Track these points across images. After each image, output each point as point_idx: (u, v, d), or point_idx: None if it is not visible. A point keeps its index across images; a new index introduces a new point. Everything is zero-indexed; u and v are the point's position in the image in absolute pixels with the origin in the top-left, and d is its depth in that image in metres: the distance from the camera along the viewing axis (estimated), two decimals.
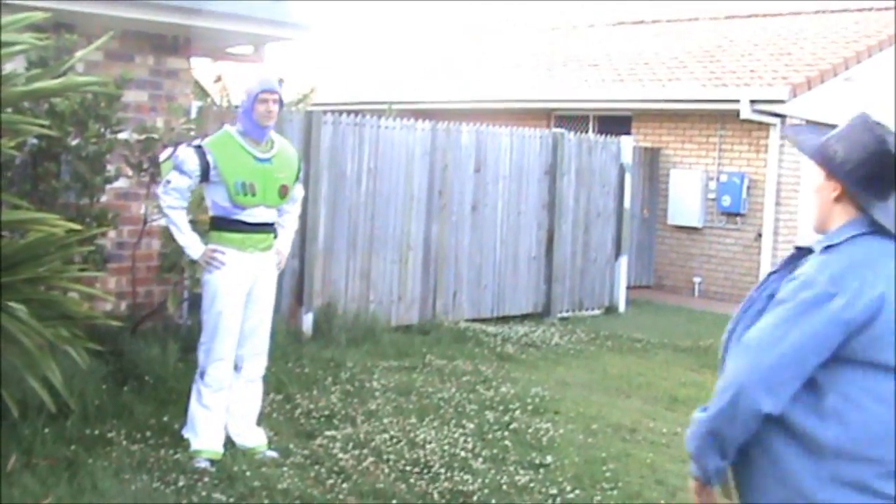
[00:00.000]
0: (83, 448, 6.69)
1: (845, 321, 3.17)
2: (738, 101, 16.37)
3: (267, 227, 6.95)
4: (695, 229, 17.65)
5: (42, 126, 6.56)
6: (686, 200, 17.58)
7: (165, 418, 7.29)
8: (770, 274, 3.51)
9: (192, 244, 6.81)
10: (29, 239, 6.35)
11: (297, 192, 7.30)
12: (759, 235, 16.94)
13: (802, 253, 3.47)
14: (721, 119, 17.23)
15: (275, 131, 9.20)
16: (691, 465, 3.46)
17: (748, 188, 16.95)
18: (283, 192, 6.93)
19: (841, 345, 3.18)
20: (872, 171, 3.38)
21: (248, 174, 6.71)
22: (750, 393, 3.22)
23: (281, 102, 6.84)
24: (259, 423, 7.30)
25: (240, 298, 6.83)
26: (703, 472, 3.41)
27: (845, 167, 3.40)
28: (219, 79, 17.06)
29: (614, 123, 18.17)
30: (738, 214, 17.11)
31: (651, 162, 17.87)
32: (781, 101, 16.18)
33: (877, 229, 3.36)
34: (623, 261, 15.32)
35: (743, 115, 16.38)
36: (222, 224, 6.81)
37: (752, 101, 16.28)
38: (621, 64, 19.71)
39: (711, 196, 17.41)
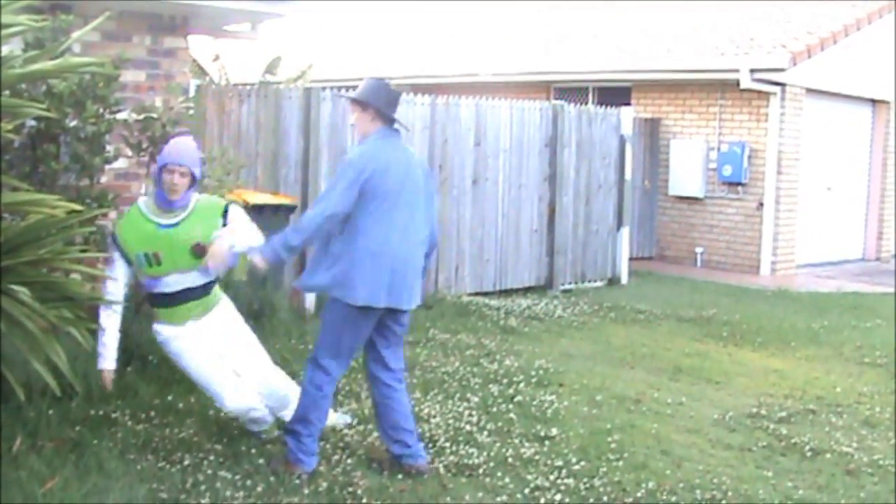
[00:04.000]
0: (88, 429, 6.70)
1: (361, 181, 6.23)
2: (737, 70, 16.38)
3: (191, 294, 6.66)
4: (696, 199, 17.66)
5: (40, 108, 6.54)
6: (687, 171, 17.59)
7: (170, 398, 7.33)
8: None
9: (104, 354, 6.56)
10: (29, 221, 6.33)
11: (234, 214, 6.81)
12: (761, 205, 16.95)
13: None
14: (721, 88, 17.21)
15: (273, 109, 9.24)
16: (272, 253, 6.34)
17: (749, 157, 16.95)
18: (199, 251, 6.55)
19: (361, 190, 6.22)
20: (386, 98, 6.47)
21: (150, 244, 6.50)
22: (326, 223, 6.21)
23: (193, 177, 6.59)
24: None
25: (206, 352, 6.66)
26: (278, 258, 6.44)
27: (374, 100, 6.42)
28: (217, 58, 17.04)
29: (614, 95, 18.15)
30: (739, 184, 17.12)
31: (651, 133, 17.87)
32: (781, 70, 16.18)
33: (392, 131, 6.55)
34: (625, 232, 15.32)
35: (743, 85, 16.38)
36: (152, 300, 6.67)
37: (752, 70, 16.29)
38: (620, 35, 19.66)
39: (712, 166, 17.42)
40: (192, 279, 6.63)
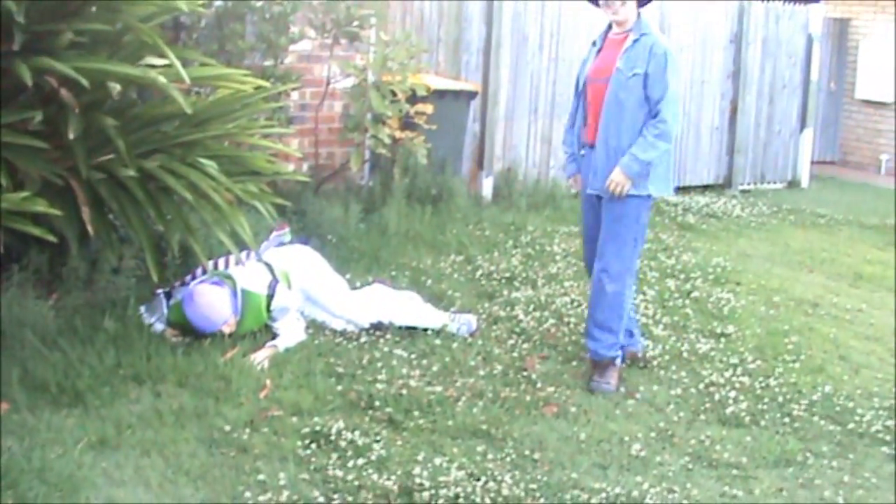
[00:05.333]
0: None
1: None
2: None
3: None
4: (884, 104, 17.02)
5: None
6: (876, 74, 16.97)
7: (347, 276, 7.34)
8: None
9: None
10: (217, 96, 6.43)
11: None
12: None
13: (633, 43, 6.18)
14: None
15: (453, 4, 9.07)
16: (639, 170, 6.10)
17: None
18: None
19: None
20: None
21: None
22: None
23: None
24: (440, 283, 7.52)
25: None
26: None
27: None
28: None
29: None
30: None
31: (840, 33, 17.26)
32: None
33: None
34: (807, 134, 14.90)
35: None
36: None
37: None
38: None
39: None
40: None
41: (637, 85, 6.13)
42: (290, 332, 6.34)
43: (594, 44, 6.47)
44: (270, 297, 6.41)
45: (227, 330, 6.18)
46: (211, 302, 6.14)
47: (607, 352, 6.27)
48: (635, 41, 6.17)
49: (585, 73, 6.43)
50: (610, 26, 6.38)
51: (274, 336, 6.31)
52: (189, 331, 6.17)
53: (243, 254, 6.51)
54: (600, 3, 6.27)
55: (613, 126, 6.22)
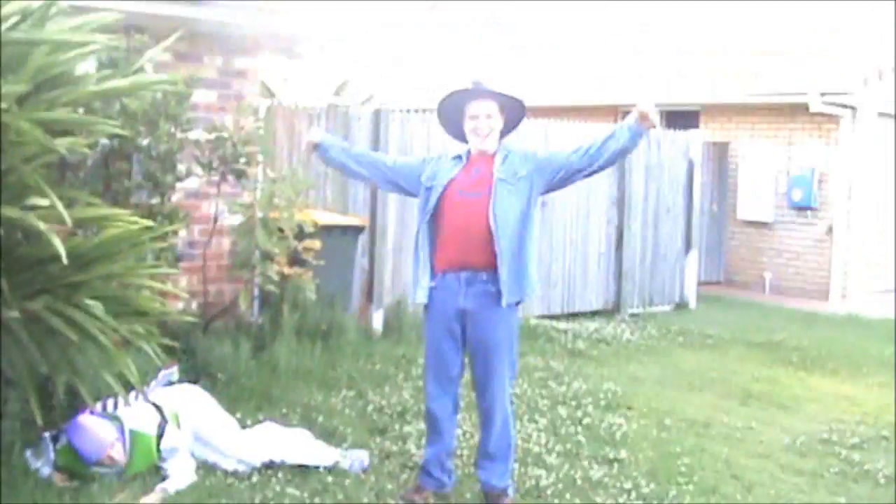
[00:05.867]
0: None
1: None
2: (806, 93, 16.20)
3: None
4: (765, 224, 17.48)
5: (114, 126, 6.59)
6: (756, 195, 17.44)
7: (238, 415, 7.28)
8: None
9: None
10: (103, 236, 6.38)
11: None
12: (831, 229, 16.75)
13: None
14: (790, 112, 17.04)
15: (343, 130, 9.20)
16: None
17: (819, 182, 16.76)
18: None
19: None
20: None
21: None
22: None
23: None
24: (332, 419, 7.44)
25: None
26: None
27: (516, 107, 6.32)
28: (287, 79, 17.15)
29: (682, 118, 18.00)
30: (808, 208, 16.93)
31: (720, 156, 17.72)
32: (851, 93, 15.98)
33: None
34: (693, 256, 15.21)
35: (813, 108, 16.21)
36: None
37: (822, 94, 16.10)
38: (688, 59, 19.50)
39: (782, 190, 17.24)
40: None
41: (524, 188, 6.21)
42: (180, 474, 6.25)
43: (455, 159, 6.37)
44: (160, 437, 6.34)
45: (114, 456, 6.12)
46: (95, 428, 6.11)
47: (499, 482, 6.25)
48: (506, 156, 6.23)
49: (439, 192, 6.24)
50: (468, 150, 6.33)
51: (164, 478, 6.21)
52: (77, 474, 6.06)
53: (131, 395, 6.44)
54: (469, 134, 6.27)
55: (513, 233, 6.16)
